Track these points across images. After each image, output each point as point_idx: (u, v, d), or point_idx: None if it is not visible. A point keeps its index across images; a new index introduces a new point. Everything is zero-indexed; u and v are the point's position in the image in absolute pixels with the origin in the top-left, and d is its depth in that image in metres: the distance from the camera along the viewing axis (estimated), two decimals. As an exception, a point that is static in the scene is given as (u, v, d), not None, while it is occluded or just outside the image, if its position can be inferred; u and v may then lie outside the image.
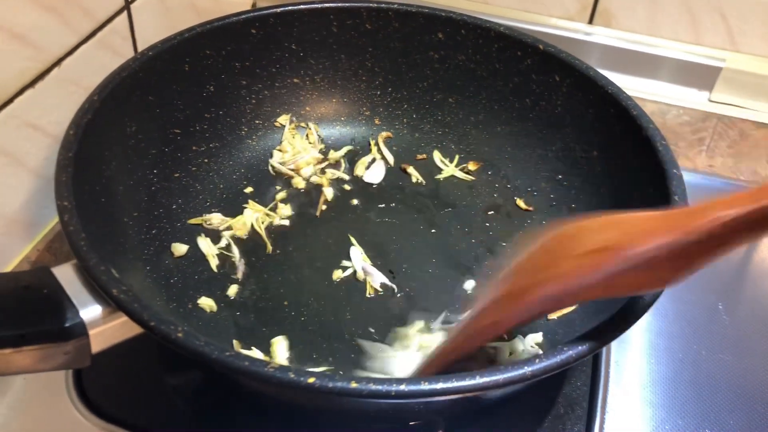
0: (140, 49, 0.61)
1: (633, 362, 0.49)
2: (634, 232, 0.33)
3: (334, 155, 0.59)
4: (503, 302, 0.37)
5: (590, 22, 0.75)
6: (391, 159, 0.59)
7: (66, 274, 0.36)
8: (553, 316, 0.47)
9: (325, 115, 0.60)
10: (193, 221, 0.52)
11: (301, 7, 0.55)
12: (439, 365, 0.41)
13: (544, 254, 0.37)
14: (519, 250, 0.39)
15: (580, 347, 0.34)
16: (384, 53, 0.58)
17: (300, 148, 0.57)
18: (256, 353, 0.44)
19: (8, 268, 0.53)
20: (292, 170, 0.57)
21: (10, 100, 0.49)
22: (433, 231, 0.54)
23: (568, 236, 0.36)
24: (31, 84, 0.51)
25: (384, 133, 0.60)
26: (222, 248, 0.51)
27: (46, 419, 0.44)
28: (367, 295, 0.49)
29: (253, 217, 0.53)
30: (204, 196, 0.53)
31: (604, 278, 0.33)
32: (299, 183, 0.56)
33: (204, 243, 0.50)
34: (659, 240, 0.32)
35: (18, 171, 0.52)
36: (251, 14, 0.54)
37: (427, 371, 0.42)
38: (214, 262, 0.49)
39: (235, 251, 0.50)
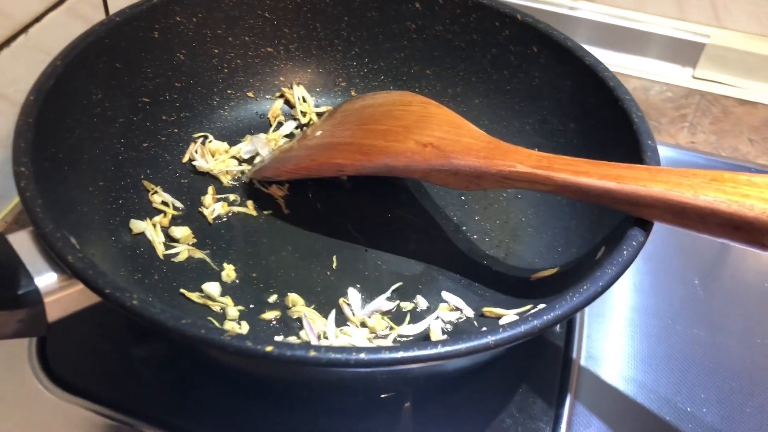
0: (112, 17, 0.59)
1: (608, 336, 0.49)
2: (463, 144, 0.44)
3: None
4: (353, 151, 0.48)
5: (575, -4, 0.74)
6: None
7: (22, 242, 0.35)
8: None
9: (299, 85, 0.59)
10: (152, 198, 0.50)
11: (275, -27, 0.54)
12: (273, 174, 0.52)
13: (395, 122, 0.48)
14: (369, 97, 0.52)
15: (545, 317, 0.33)
16: (360, 23, 0.57)
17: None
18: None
19: (-26, 240, 0.52)
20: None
21: (-26, 67, 0.48)
22: (408, 206, 0.53)
23: (418, 116, 0.47)
24: (-4, 51, 0.49)
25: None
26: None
27: (7, 390, 0.43)
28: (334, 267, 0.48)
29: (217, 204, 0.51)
30: (173, 167, 0.52)
31: (426, 168, 0.45)
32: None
33: (149, 230, 0.47)
34: (473, 161, 0.43)
35: (-17, 140, 0.51)
36: (223, -20, 0.53)
37: (261, 173, 0.52)
38: (160, 249, 0.47)
39: (180, 232, 0.48)
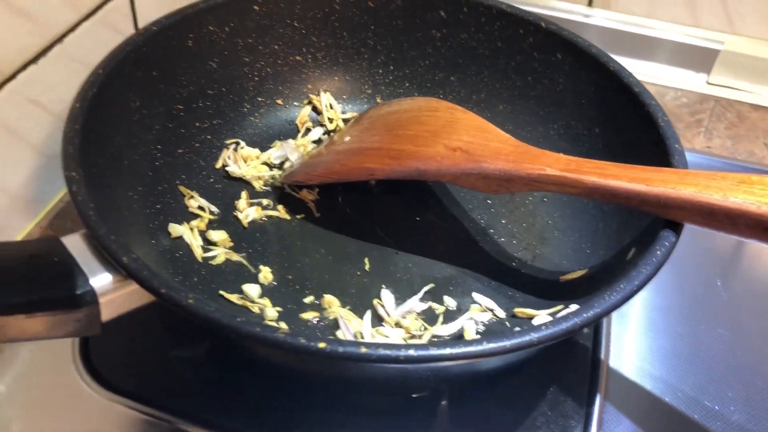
0: (140, 26, 0.61)
1: (633, 337, 0.50)
2: (491, 148, 0.45)
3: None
4: (382, 155, 0.49)
5: (590, 4, 0.75)
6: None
7: (75, 244, 0.36)
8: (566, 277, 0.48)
9: (326, 92, 0.60)
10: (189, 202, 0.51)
11: (304, -17, 0.55)
12: (304, 178, 0.53)
13: (422, 127, 0.49)
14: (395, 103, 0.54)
15: (585, 314, 0.34)
16: (386, 31, 0.58)
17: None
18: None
19: (11, 245, 0.53)
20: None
21: (13, 76, 0.49)
22: (435, 210, 0.54)
23: (445, 121, 0.49)
24: (34, 60, 0.51)
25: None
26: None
27: (53, 390, 0.44)
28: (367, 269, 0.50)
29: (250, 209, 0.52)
30: (207, 172, 0.54)
31: (456, 172, 0.46)
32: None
33: (187, 233, 0.49)
34: (503, 165, 0.44)
35: (20, 147, 0.52)
36: (254, -9, 0.54)
37: (292, 178, 0.54)
38: (198, 253, 0.48)
39: (217, 236, 0.50)
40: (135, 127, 0.48)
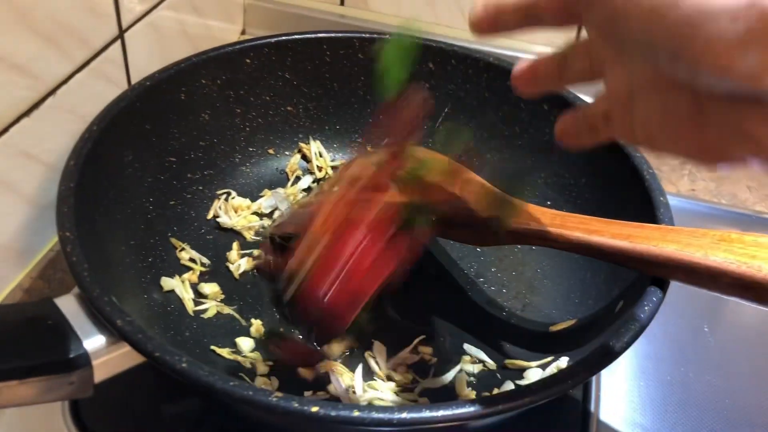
0: (133, 76, 0.61)
1: (622, 386, 0.50)
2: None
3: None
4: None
5: (574, 49, 0.77)
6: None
7: (69, 305, 0.37)
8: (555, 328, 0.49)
9: (316, 141, 0.61)
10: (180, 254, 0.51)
11: (295, 36, 0.56)
12: (294, 231, 0.47)
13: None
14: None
15: (575, 375, 0.35)
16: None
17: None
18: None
19: (2, 296, 0.53)
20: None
21: (6, 129, 0.49)
22: (425, 259, 0.55)
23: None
24: (27, 113, 0.51)
25: (375, 160, 0.60)
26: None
27: (43, 448, 0.44)
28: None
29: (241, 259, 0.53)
30: (199, 223, 0.54)
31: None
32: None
33: (179, 287, 0.49)
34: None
35: (12, 199, 0.52)
36: (246, 44, 0.55)
37: (282, 230, 0.49)
38: (190, 306, 0.48)
39: (209, 288, 0.50)
40: (128, 181, 0.49)
